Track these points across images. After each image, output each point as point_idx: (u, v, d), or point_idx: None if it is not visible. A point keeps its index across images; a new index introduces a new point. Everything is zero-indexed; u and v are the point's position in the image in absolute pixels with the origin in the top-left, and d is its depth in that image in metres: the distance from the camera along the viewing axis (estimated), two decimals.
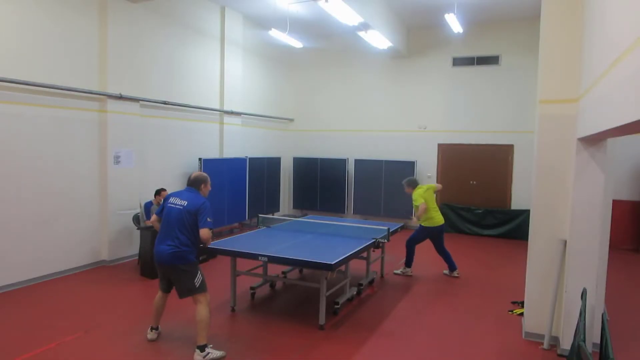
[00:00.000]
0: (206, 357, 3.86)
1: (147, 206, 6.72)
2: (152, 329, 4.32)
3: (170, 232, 3.96)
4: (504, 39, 9.80)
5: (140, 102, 7.35)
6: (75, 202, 6.48)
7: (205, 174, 4.27)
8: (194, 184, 4.17)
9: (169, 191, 7.44)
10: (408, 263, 6.88)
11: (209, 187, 4.28)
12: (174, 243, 3.92)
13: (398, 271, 6.91)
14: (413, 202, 6.76)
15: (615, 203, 4.77)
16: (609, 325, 4.43)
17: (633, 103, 1.93)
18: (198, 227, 3.93)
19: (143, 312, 5.03)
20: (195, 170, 8.53)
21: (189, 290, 3.96)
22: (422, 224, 6.70)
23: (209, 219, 3.93)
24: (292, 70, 12.00)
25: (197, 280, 3.97)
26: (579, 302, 3.65)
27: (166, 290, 4.22)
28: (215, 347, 3.99)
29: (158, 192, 6.75)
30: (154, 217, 4.25)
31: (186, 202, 4.00)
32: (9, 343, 4.18)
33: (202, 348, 3.89)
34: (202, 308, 3.94)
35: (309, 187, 11.65)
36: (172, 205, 4.04)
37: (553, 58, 4.29)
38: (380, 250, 6.65)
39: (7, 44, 5.56)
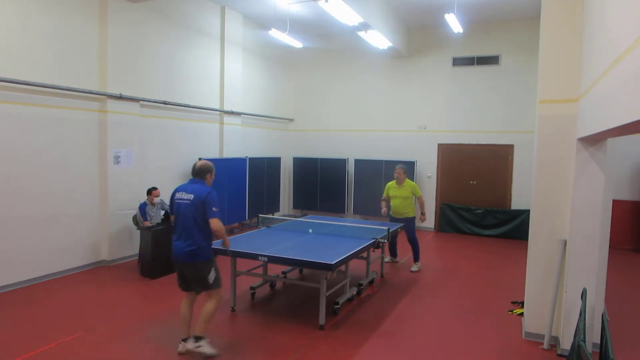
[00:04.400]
0: (197, 348, 3.88)
1: (142, 207, 6.67)
2: (183, 340, 4.06)
3: (184, 229, 3.87)
4: (504, 39, 9.79)
5: (140, 102, 7.35)
6: (76, 202, 6.49)
7: (210, 163, 4.11)
8: (198, 174, 4.03)
9: (166, 189, 7.46)
10: (417, 257, 7.12)
11: (214, 176, 4.15)
12: (188, 241, 3.84)
13: (414, 268, 7.07)
14: (412, 192, 7.00)
15: (615, 203, 4.77)
16: (609, 325, 4.43)
17: (633, 103, 1.93)
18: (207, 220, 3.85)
19: (143, 312, 5.03)
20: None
21: (204, 286, 3.93)
22: (411, 215, 7.00)
23: (214, 209, 3.81)
24: (292, 70, 12.00)
25: (211, 277, 3.92)
26: (579, 302, 3.65)
27: (186, 289, 4.08)
28: (215, 347, 3.98)
29: (149, 192, 6.72)
30: (172, 217, 4.15)
31: (192, 196, 3.88)
32: (9, 343, 4.18)
33: (197, 338, 3.90)
34: (210, 303, 3.93)
35: (309, 187, 11.65)
36: (180, 201, 3.94)
37: (553, 58, 4.29)
38: (380, 250, 6.66)
39: (8, 44, 5.56)
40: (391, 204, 7.11)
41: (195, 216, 3.84)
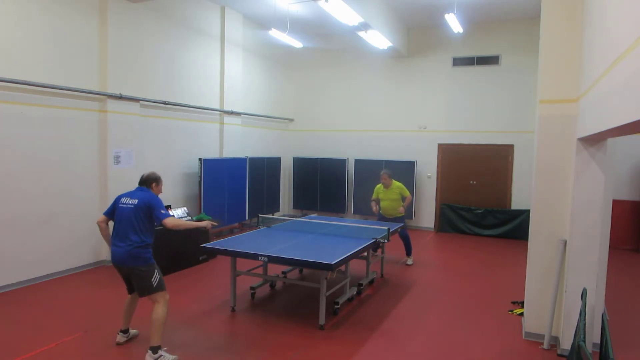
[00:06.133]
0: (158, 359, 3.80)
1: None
2: (121, 331, 4.25)
3: (123, 233, 3.92)
4: (504, 39, 9.79)
5: (140, 102, 7.35)
6: (76, 202, 6.48)
7: (157, 174, 4.25)
8: (145, 183, 4.16)
9: (166, 189, 7.47)
10: (410, 251, 7.44)
11: (161, 187, 4.26)
12: (126, 244, 3.87)
13: (409, 261, 7.41)
14: (400, 193, 7.17)
15: (615, 203, 4.77)
16: (609, 325, 4.43)
17: (633, 103, 1.93)
18: (151, 225, 3.98)
19: (143, 312, 5.02)
20: (193, 169, 8.62)
21: (146, 290, 3.91)
22: (400, 215, 7.17)
23: (162, 211, 3.93)
24: (292, 70, 12.00)
25: (155, 280, 3.91)
26: (579, 302, 3.66)
27: (131, 291, 4.16)
28: (211, 347, 3.98)
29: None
30: (101, 217, 4.19)
31: (137, 200, 3.98)
32: (9, 343, 4.18)
33: (154, 349, 3.81)
34: (158, 307, 3.88)
35: (309, 187, 11.65)
36: (123, 206, 4.01)
37: (553, 58, 4.29)
38: (380, 250, 6.66)
39: (7, 44, 5.56)
40: (381, 205, 7.30)
41: (137, 220, 3.92)
